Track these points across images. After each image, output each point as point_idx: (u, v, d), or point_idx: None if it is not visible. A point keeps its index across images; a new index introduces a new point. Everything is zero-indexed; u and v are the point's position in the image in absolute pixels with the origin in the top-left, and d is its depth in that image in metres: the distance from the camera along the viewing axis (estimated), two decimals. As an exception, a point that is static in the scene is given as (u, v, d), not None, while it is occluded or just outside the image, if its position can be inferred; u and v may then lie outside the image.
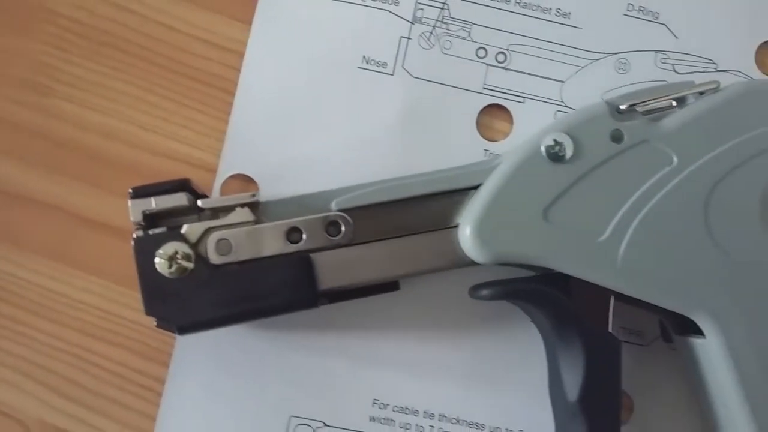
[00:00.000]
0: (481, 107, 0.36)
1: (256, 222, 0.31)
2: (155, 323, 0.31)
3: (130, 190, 0.31)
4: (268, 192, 0.35)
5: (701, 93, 0.33)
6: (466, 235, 0.31)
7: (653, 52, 0.37)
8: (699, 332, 0.32)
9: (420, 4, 0.36)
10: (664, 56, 0.37)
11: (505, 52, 0.36)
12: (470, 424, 0.35)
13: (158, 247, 0.30)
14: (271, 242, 0.31)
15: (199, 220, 0.32)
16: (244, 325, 0.35)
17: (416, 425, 0.35)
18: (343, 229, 0.32)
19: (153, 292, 0.30)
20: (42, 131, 0.35)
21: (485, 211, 0.31)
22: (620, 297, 0.32)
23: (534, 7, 0.37)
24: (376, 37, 0.36)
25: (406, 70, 0.36)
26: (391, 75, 0.36)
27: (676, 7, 0.37)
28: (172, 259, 0.30)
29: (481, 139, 0.36)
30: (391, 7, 0.36)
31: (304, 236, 0.31)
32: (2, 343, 0.35)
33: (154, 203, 0.31)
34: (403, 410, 0.35)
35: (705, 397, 0.33)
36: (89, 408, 0.35)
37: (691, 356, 0.33)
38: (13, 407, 0.34)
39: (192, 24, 0.36)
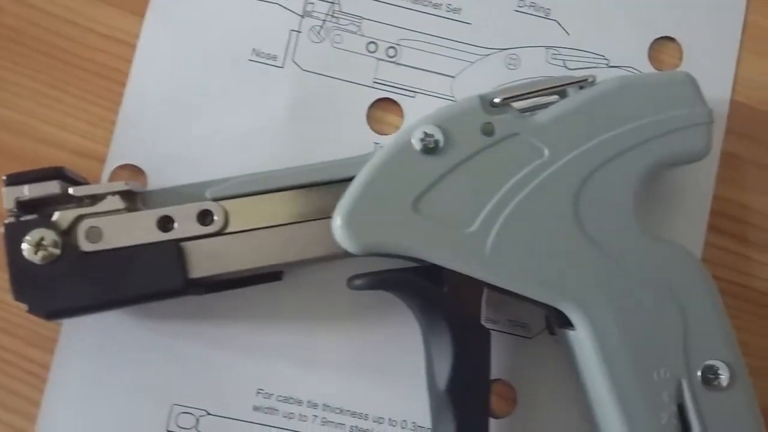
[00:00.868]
0: (372, 101, 0.37)
1: (130, 210, 0.32)
2: (26, 309, 0.31)
3: (4, 177, 0.31)
4: (156, 182, 0.36)
5: (581, 87, 0.34)
6: (337, 225, 0.32)
7: (544, 48, 0.37)
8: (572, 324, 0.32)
9: (311, -2, 0.37)
10: (556, 52, 0.37)
11: (396, 46, 0.37)
12: (353, 414, 0.35)
13: (26, 233, 0.30)
14: (142, 230, 0.32)
15: (77, 208, 0.32)
16: (130, 313, 0.35)
17: (300, 414, 0.35)
18: (215, 218, 0.32)
19: (21, 278, 0.31)
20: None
21: (355, 202, 0.31)
22: (493, 288, 0.32)
23: (425, 3, 0.37)
24: (267, 30, 0.37)
25: (296, 63, 0.36)
26: (281, 68, 0.36)
27: (568, 3, 0.37)
28: (38, 245, 0.30)
29: (372, 132, 0.37)
30: (282, 1, 0.37)
31: (175, 225, 0.32)
32: None
33: (26, 191, 0.31)
34: (287, 400, 0.35)
35: (582, 388, 0.33)
36: (-27, 393, 0.35)
37: (568, 348, 0.33)
38: None
39: (88, 17, 0.37)
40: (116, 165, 0.36)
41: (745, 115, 0.38)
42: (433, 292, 0.32)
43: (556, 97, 0.34)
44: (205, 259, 0.32)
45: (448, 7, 0.37)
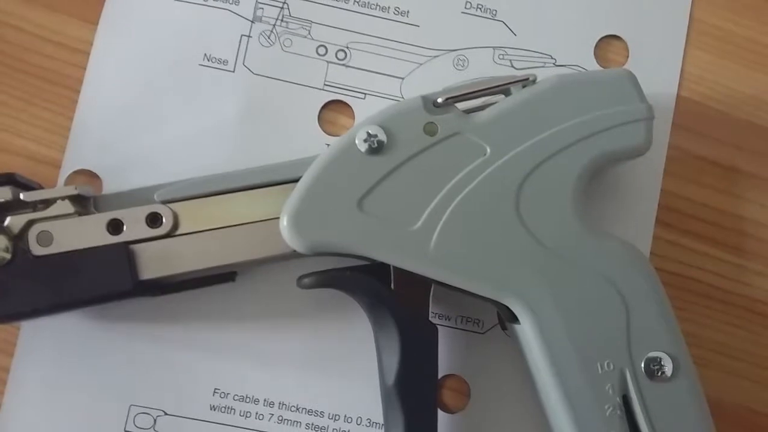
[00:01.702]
0: (323, 103, 0.37)
1: (81, 214, 0.32)
2: (-21, 313, 0.32)
3: (-43, 184, 0.32)
4: (111, 186, 0.36)
5: (524, 86, 0.34)
6: (283, 225, 0.32)
7: (492, 48, 0.38)
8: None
9: (260, 3, 0.37)
10: (503, 52, 0.38)
11: (345, 49, 0.38)
12: (310, 412, 0.36)
13: (-23, 238, 0.31)
14: (92, 234, 0.32)
15: (28, 213, 0.33)
16: (88, 315, 0.36)
17: (256, 413, 0.36)
18: (164, 220, 0.33)
19: (-27, 282, 0.31)
20: None
21: (300, 202, 0.32)
22: (439, 284, 0.33)
23: (373, 6, 0.38)
24: (218, 35, 0.37)
25: (247, 68, 0.37)
26: (232, 72, 0.37)
27: (515, 4, 0.38)
28: (-11, 250, 0.31)
29: (324, 134, 0.37)
30: (232, 7, 0.37)
31: (125, 228, 0.32)
32: None
33: (-23, 197, 0.32)
34: (243, 399, 0.36)
35: (531, 381, 0.34)
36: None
37: (516, 342, 0.34)
38: None
39: (41, 26, 0.37)
40: (72, 170, 0.36)
41: (691, 110, 0.38)
42: (380, 290, 0.33)
43: (501, 96, 0.35)
44: (155, 261, 0.32)
45: (396, 10, 0.38)
